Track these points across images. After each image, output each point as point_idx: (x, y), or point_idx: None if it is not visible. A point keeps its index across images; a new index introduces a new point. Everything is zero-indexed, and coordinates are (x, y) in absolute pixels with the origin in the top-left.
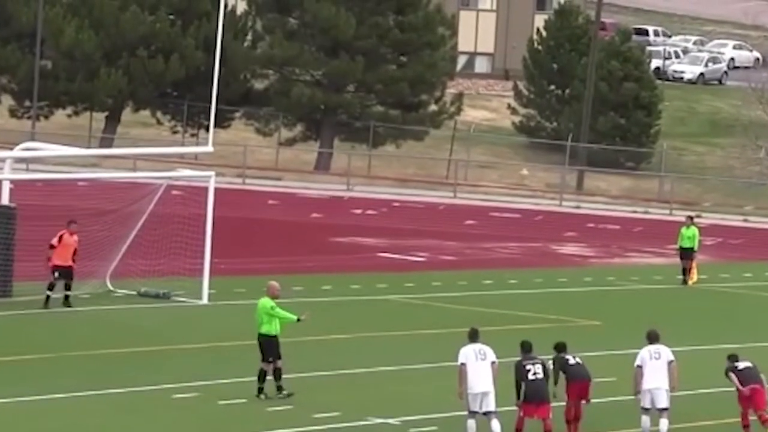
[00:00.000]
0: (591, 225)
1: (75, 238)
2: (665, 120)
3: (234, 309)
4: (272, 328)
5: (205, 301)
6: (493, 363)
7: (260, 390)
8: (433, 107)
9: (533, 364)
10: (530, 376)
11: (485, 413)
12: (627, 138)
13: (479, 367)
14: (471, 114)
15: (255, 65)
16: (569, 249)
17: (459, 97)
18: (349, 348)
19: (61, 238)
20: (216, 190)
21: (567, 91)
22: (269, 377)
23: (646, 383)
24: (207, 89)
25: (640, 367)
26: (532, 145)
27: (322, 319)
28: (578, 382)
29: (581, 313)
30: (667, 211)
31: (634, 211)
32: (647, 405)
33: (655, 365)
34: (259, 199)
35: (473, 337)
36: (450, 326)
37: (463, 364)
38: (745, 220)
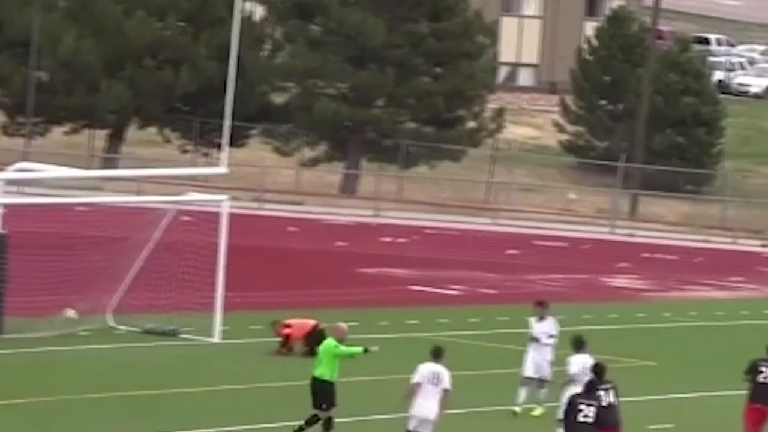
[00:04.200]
0: (646, 255)
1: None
2: (729, 138)
3: (249, 348)
4: (327, 371)
5: (217, 338)
6: (446, 390)
7: (301, 429)
8: (471, 124)
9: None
10: (580, 418)
11: None
12: (686, 158)
13: (429, 391)
14: (513, 131)
15: (274, 77)
16: (621, 281)
17: (500, 112)
18: (375, 392)
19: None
20: (230, 215)
21: (620, 106)
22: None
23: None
24: (221, 104)
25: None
26: (581, 166)
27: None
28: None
29: (634, 352)
30: (731, 240)
31: (694, 240)
32: None
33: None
34: (278, 225)
35: (436, 356)
36: (488, 367)
37: (418, 384)
38: None
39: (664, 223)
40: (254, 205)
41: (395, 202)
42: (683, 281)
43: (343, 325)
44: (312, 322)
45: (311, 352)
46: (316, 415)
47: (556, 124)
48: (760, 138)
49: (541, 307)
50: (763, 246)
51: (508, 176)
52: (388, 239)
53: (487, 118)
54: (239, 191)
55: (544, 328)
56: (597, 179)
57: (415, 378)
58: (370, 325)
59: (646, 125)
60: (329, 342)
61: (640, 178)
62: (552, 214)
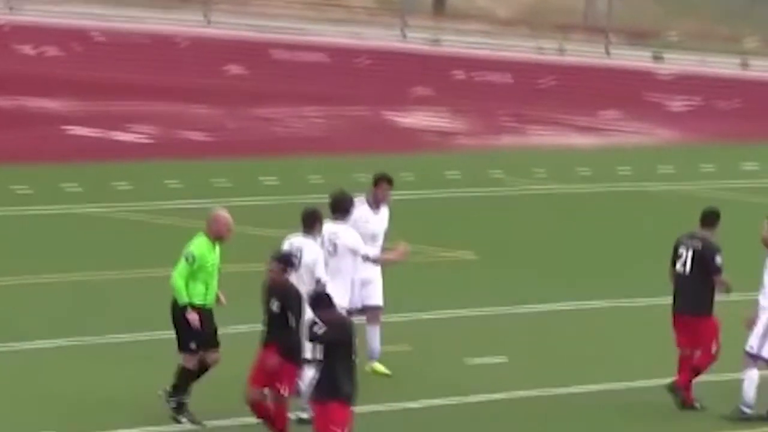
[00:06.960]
0: (458, 74)
1: None
2: None
3: None
4: (196, 291)
5: None
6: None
7: (181, 407)
8: None
9: None
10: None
11: None
12: None
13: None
14: None
15: None
16: (419, 119)
17: None
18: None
19: None
20: None
21: None
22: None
23: None
24: None
25: None
26: None
27: None
28: None
29: (443, 237)
30: (602, 50)
31: (540, 49)
32: None
33: None
34: None
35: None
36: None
37: None
38: (743, 66)
39: (490, 22)
40: None
41: None
42: (522, 118)
43: (224, 214)
44: None
45: None
46: (187, 370)
47: None
48: None
49: (389, 186)
50: (655, 58)
51: None
52: (27, 49)
53: None
54: None
55: (382, 222)
56: None
57: None
58: (2, 191)
59: None
60: (196, 242)
61: None
62: (301, 8)
